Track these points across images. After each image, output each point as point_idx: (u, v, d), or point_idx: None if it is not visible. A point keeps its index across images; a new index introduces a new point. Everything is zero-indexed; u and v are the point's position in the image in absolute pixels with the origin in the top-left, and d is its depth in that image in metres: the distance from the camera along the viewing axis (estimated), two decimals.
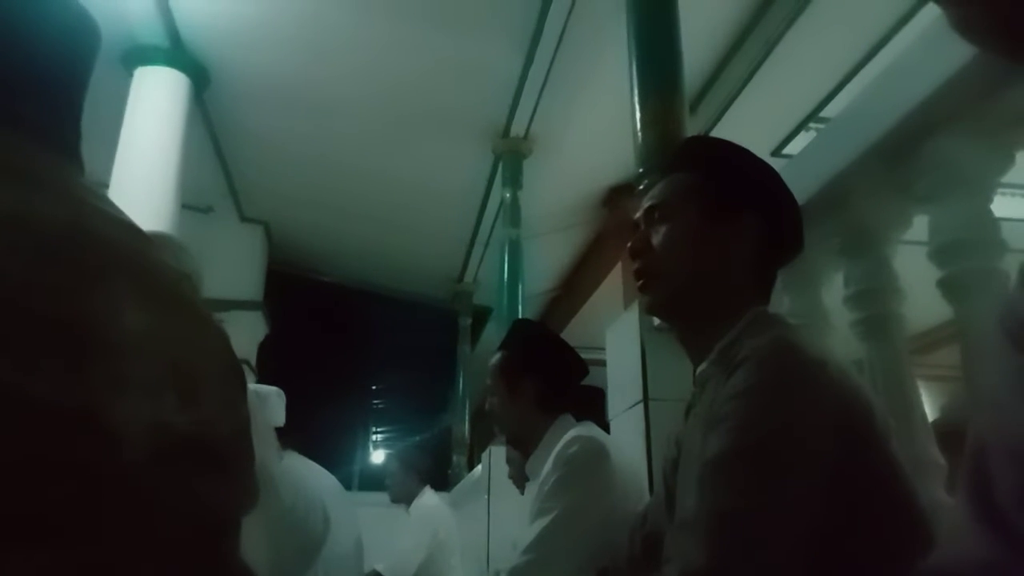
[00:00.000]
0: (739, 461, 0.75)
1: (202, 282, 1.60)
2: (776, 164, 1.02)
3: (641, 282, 1.00)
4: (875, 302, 1.24)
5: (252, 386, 1.90)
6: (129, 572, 0.44)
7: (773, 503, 0.72)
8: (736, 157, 1.00)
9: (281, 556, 1.36)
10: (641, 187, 1.91)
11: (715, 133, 4.26)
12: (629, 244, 1.01)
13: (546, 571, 1.34)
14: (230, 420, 0.54)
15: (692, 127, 2.84)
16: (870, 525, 0.76)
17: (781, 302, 1.41)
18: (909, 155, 1.16)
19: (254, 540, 0.58)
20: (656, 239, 0.99)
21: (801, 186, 0.99)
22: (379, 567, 3.40)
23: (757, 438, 0.76)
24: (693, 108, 4.22)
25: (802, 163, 1.48)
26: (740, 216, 0.95)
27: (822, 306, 1.41)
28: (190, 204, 4.65)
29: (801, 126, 4.72)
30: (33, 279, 0.44)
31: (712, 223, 0.96)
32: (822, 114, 4.58)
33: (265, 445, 1.62)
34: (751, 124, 4.30)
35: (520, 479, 1.81)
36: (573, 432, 1.54)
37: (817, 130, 4.51)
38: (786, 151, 4.76)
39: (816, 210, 1.26)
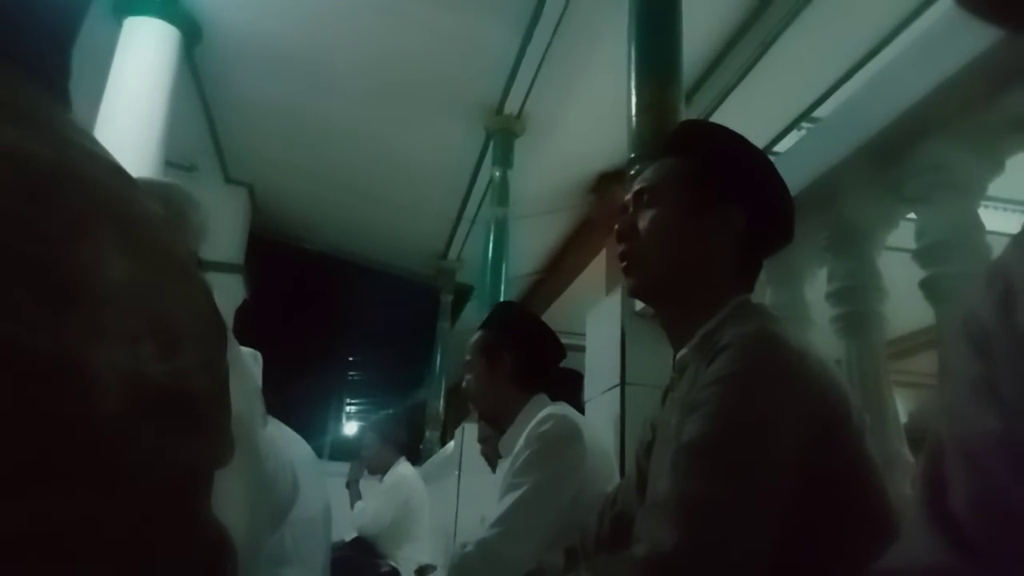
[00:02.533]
0: (713, 446, 0.76)
1: (207, 235, 1.58)
2: None
3: (624, 264, 1.00)
4: (857, 299, 1.25)
5: (238, 347, 1.87)
6: (101, 523, 0.43)
7: (744, 489, 0.73)
8: (729, 144, 1.00)
9: (250, 516, 1.36)
10: (632, 172, 1.90)
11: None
12: (616, 226, 1.01)
13: (513, 544, 1.35)
14: (208, 374, 0.53)
15: (687, 117, 2.83)
16: (839, 516, 0.77)
17: (764, 293, 1.42)
18: (899, 156, 1.16)
19: (225, 499, 0.57)
20: (642, 223, 0.99)
21: (789, 181, 0.99)
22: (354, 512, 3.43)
23: (733, 424, 0.76)
24: (689, 98, 4.22)
25: (792, 159, 1.49)
26: (726, 205, 0.95)
27: (804, 300, 1.42)
28: (174, 161, 4.57)
29: (793, 125, 4.73)
30: (13, 218, 0.43)
31: (697, 210, 0.96)
32: (814, 115, 4.60)
33: (252, 406, 1.61)
34: (744, 119, 4.29)
35: (492, 457, 1.82)
36: (547, 411, 1.55)
37: (809, 130, 4.53)
38: (777, 149, 4.78)
39: (803, 206, 1.26)
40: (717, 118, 4.43)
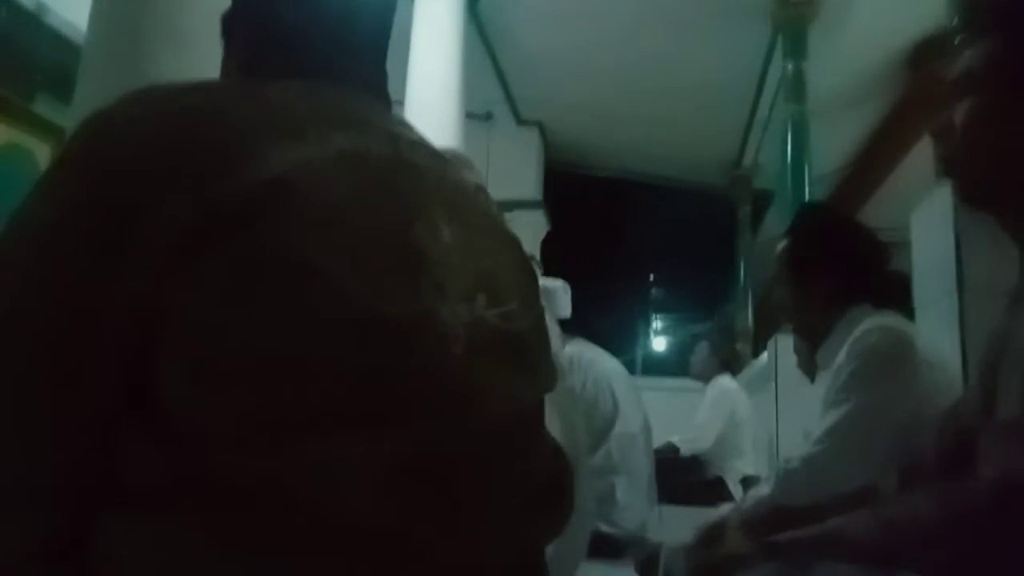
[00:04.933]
0: None
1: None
2: None
3: (946, 168, 0.89)
4: None
5: (540, 281, 2.05)
6: (463, 447, 0.53)
7: None
8: None
9: (575, 434, 1.50)
10: (957, 42, 1.62)
11: None
12: (932, 122, 0.89)
13: (838, 462, 1.31)
14: (529, 315, 0.61)
15: None
16: None
17: None
18: None
19: (550, 420, 0.66)
20: (961, 117, 0.85)
21: None
22: (675, 439, 3.57)
23: None
24: None
25: None
26: None
27: None
28: (471, 113, 4.97)
29: None
30: (371, 205, 0.54)
31: None
32: None
33: (552, 336, 1.76)
34: None
35: (809, 369, 1.75)
36: (870, 322, 1.43)
37: None
38: None
39: None
40: None
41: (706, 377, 3.80)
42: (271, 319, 0.47)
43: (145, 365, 0.46)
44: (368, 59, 0.68)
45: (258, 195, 0.48)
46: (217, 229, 0.47)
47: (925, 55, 4.55)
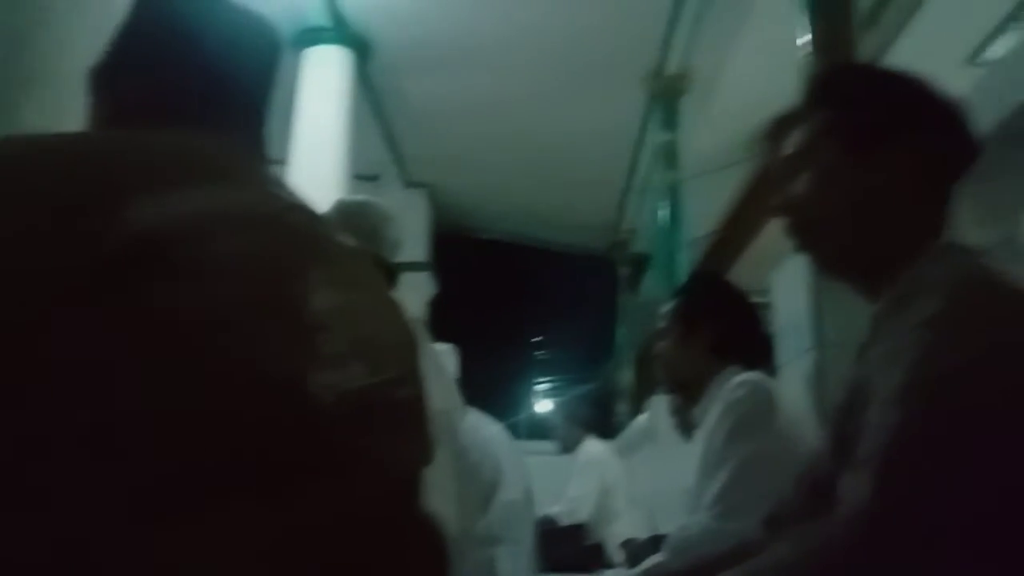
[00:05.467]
0: (917, 396, 0.68)
1: (401, 246, 1.71)
2: (974, 75, 0.91)
3: (795, 241, 0.92)
4: None
5: (428, 345, 2.02)
6: (327, 522, 0.50)
7: (950, 443, 0.66)
8: (877, 81, 0.91)
9: (458, 505, 1.46)
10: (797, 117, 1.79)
11: (901, 42, 3.84)
12: (771, 200, 0.95)
13: (734, 521, 1.34)
14: (409, 384, 0.59)
15: (873, 38, 2.54)
16: None
17: (971, 233, 1.28)
18: None
19: (434, 491, 0.64)
20: (798, 190, 0.90)
21: (1003, 97, 0.87)
22: (553, 511, 3.56)
23: (939, 372, 0.68)
24: (874, 16, 3.81)
25: (1004, 70, 1.31)
26: (890, 145, 0.85)
27: (1021, 238, 1.26)
28: (358, 173, 4.94)
29: (1005, 24, 4.10)
30: (248, 267, 0.51)
31: (856, 159, 0.86)
32: None
33: (450, 400, 1.73)
34: (943, 27, 3.80)
35: (686, 427, 1.81)
36: (740, 377, 1.51)
37: None
38: (986, 56, 4.18)
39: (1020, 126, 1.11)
40: (910, 32, 3.95)
41: (570, 446, 3.81)
42: (132, 383, 0.44)
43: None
44: (247, 117, 0.66)
45: (123, 253, 0.45)
46: (76, 290, 0.44)
47: (780, 129, 4.97)
